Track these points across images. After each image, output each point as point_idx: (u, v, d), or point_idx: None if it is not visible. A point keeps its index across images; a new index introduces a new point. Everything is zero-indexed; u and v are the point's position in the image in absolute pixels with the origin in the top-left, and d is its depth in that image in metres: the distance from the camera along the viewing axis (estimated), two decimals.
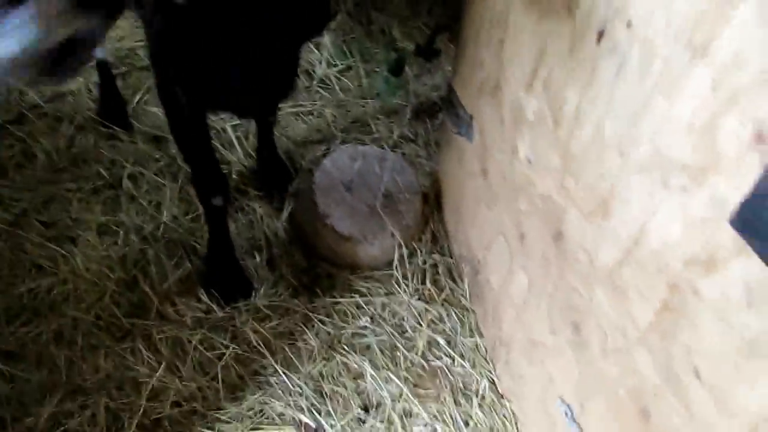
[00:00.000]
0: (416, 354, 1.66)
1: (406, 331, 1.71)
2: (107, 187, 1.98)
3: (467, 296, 1.79)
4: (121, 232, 1.84)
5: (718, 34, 0.72)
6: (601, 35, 0.96)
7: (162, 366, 1.55)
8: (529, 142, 1.27)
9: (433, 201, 1.96)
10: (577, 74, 1.04)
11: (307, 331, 1.69)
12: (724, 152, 0.73)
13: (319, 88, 2.41)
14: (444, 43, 2.52)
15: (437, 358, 1.66)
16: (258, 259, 1.85)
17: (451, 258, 1.89)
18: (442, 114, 2.17)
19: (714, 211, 0.76)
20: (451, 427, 1.53)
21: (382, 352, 1.66)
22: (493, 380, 1.62)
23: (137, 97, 2.27)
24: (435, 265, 1.87)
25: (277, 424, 1.51)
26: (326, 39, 2.56)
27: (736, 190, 0.71)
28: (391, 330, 1.71)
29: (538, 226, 1.28)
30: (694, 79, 0.77)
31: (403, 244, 1.78)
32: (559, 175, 1.15)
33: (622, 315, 1.01)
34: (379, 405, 1.57)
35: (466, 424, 1.54)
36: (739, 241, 0.68)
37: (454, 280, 1.85)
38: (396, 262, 1.80)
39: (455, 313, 1.76)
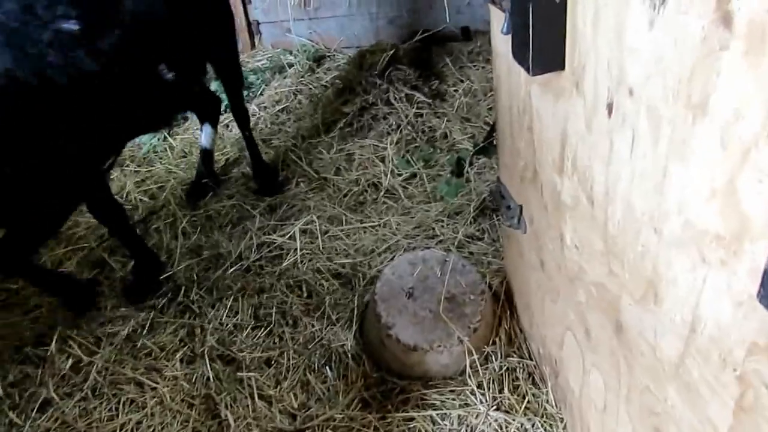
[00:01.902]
0: None
1: None
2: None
3: (552, 402, 1.61)
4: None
5: (713, 89, 0.65)
6: (610, 108, 0.90)
7: None
8: (571, 227, 1.18)
9: (504, 299, 1.85)
10: (598, 151, 0.97)
11: None
12: (752, 215, 0.63)
13: (385, 199, 2.47)
14: None
15: None
16: (329, 373, 1.82)
17: (531, 359, 1.74)
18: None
19: (758, 286, 0.63)
20: None
21: None
22: None
23: None
24: (513, 369, 1.73)
25: None
26: (389, 151, 2.66)
27: None
28: None
29: (598, 317, 1.15)
30: (702, 139, 0.68)
31: (473, 349, 1.68)
32: (606, 259, 1.05)
33: (700, 418, 0.84)
34: None
35: None
36: None
37: (536, 385, 1.68)
38: (468, 369, 1.68)
39: (540, 423, 1.58)
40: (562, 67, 1.02)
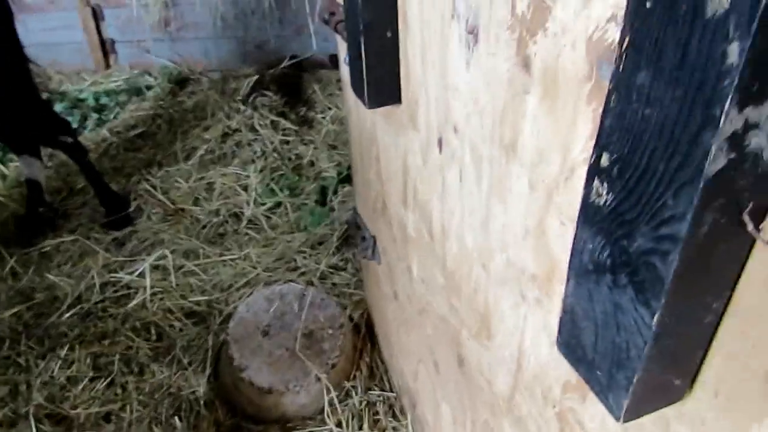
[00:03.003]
0: None
1: None
2: None
3: None
4: None
5: (521, 131, 0.65)
6: (440, 144, 0.90)
7: None
8: (417, 261, 1.17)
9: (366, 331, 1.82)
10: (433, 186, 0.97)
11: None
12: (559, 257, 0.63)
13: (247, 230, 2.35)
14: None
15: None
16: (178, 424, 1.66)
17: (392, 392, 1.71)
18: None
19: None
20: None
21: None
22: None
23: None
24: (374, 404, 1.68)
25: None
26: (252, 179, 2.56)
27: None
28: None
29: (444, 351, 1.14)
30: (515, 180, 0.69)
31: (331, 386, 1.61)
32: (446, 294, 1.04)
33: None
34: None
35: None
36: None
37: (396, 417, 1.65)
38: (327, 408, 1.61)
39: None
40: (399, 101, 1.01)
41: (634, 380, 0.42)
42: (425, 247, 1.09)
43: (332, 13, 1.25)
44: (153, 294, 2.08)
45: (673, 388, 0.45)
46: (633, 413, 0.44)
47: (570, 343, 0.50)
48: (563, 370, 0.68)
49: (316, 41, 3.18)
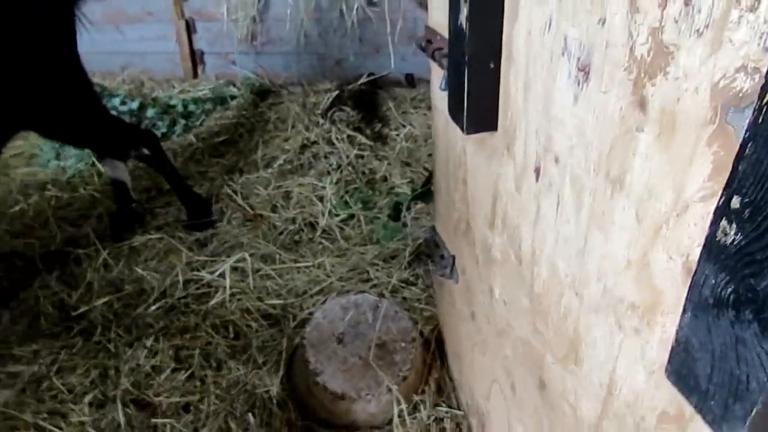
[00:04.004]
0: None
1: None
2: None
3: None
4: None
5: (630, 166, 0.68)
6: (538, 172, 0.93)
7: None
8: (500, 282, 1.20)
9: (435, 347, 1.85)
10: (526, 212, 1.00)
11: None
12: (663, 289, 0.65)
13: (321, 239, 2.44)
14: None
15: None
16: (252, 420, 1.74)
17: (459, 410, 1.73)
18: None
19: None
20: None
21: None
22: None
23: None
24: (441, 420, 1.71)
25: None
26: (328, 190, 2.65)
27: None
28: None
29: (523, 374, 1.16)
30: (620, 212, 0.71)
31: (401, 398, 1.65)
32: (531, 317, 1.06)
33: None
34: None
35: None
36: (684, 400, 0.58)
37: None
38: (396, 419, 1.65)
39: None
40: (495, 128, 1.05)
41: (753, 412, 0.44)
42: (511, 270, 1.12)
43: (429, 41, 1.31)
44: (232, 294, 2.20)
45: None
46: None
47: (681, 373, 0.52)
48: (660, 400, 0.69)
49: (394, 60, 3.28)
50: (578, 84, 0.76)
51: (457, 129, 1.29)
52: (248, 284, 2.24)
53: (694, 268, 0.58)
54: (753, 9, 0.45)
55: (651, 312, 0.69)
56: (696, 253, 0.58)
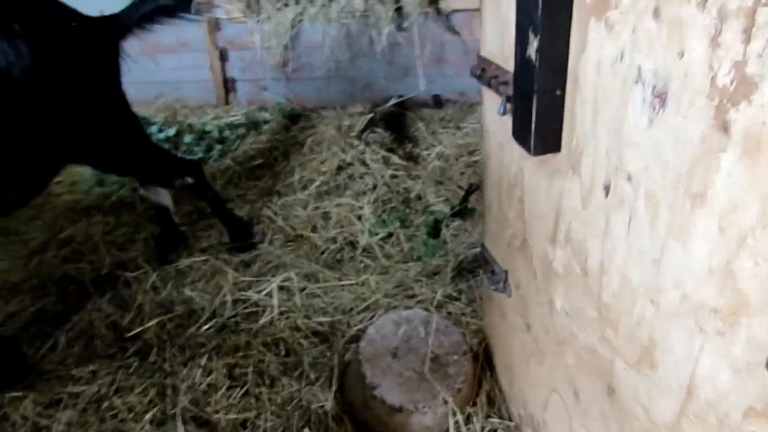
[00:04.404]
0: None
1: None
2: None
3: None
4: None
5: (712, 183, 0.75)
6: (608, 189, 1.00)
7: None
8: (563, 294, 1.26)
9: (483, 360, 1.90)
10: (594, 227, 1.07)
11: None
12: (749, 293, 0.72)
13: (362, 258, 2.52)
14: (478, 201, 2.65)
15: None
16: None
17: (511, 421, 1.78)
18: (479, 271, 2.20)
19: (756, 354, 0.72)
20: None
21: None
22: None
23: None
24: (495, 430, 1.76)
25: None
26: (366, 210, 2.74)
27: None
28: None
29: (589, 380, 1.22)
30: (701, 224, 0.78)
31: (457, 410, 1.71)
32: (599, 326, 1.13)
33: None
34: None
35: None
36: None
37: None
38: (452, 430, 1.70)
39: None
40: (559, 149, 1.13)
41: None
42: (575, 281, 1.19)
43: (483, 70, 1.40)
44: (280, 312, 2.27)
45: None
46: None
47: None
48: (747, 396, 0.75)
49: (422, 83, 3.39)
50: (654, 109, 0.83)
51: (514, 150, 1.37)
52: (295, 303, 2.32)
53: None
54: None
55: (735, 315, 0.75)
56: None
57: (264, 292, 2.39)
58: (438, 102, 3.51)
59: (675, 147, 0.80)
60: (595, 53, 0.95)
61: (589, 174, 1.05)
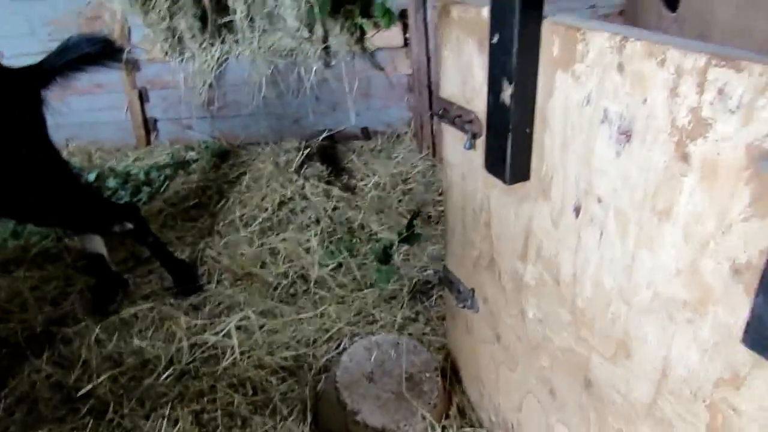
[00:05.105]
0: None
1: None
2: None
3: None
4: None
5: (676, 201, 0.94)
6: (578, 210, 1.19)
7: None
8: (535, 304, 1.43)
9: (451, 374, 2.04)
10: (565, 243, 1.25)
11: None
12: (713, 286, 0.91)
13: (317, 290, 2.58)
14: (422, 226, 2.81)
15: None
16: None
17: (482, 428, 1.92)
18: (436, 290, 2.35)
19: (722, 335, 0.91)
20: None
21: None
22: None
23: None
24: None
25: None
26: (313, 242, 2.80)
27: (733, 313, 0.87)
28: None
29: (565, 378, 1.39)
30: (668, 235, 0.97)
31: (436, 425, 1.82)
32: (574, 328, 1.30)
33: None
34: None
35: None
36: (754, 355, 0.82)
37: None
38: None
39: None
40: (528, 178, 1.31)
41: None
42: (547, 292, 1.36)
43: (445, 110, 1.56)
44: (242, 352, 2.27)
45: None
46: None
47: (756, 340, 0.77)
48: (715, 370, 0.94)
49: (350, 117, 3.54)
50: (620, 144, 1.02)
51: (477, 180, 1.54)
52: (256, 341, 2.33)
53: (740, 268, 0.84)
54: (740, 110, 0.73)
55: (702, 304, 0.94)
56: (741, 257, 0.84)
57: (222, 334, 2.37)
58: (367, 134, 3.67)
59: (641, 174, 0.99)
60: (562, 98, 1.14)
61: (559, 198, 1.23)
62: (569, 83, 1.11)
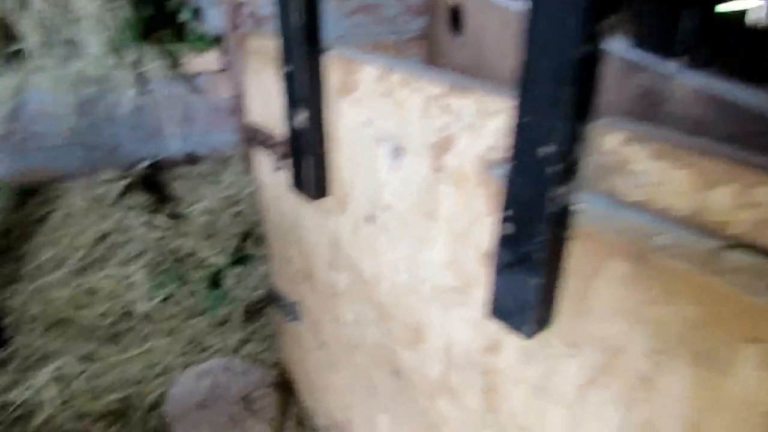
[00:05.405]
0: None
1: None
2: None
3: None
4: None
5: (438, 204, 1.13)
6: (371, 219, 1.35)
7: None
8: (348, 308, 1.57)
9: (287, 387, 2.10)
10: (365, 249, 1.40)
11: None
12: (472, 273, 1.11)
13: (143, 325, 2.47)
14: (253, 248, 2.84)
15: None
16: None
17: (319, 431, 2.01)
18: (268, 309, 2.40)
19: (482, 312, 1.11)
20: None
21: None
22: None
23: None
24: None
25: None
26: (138, 276, 2.68)
27: (487, 293, 1.07)
28: None
29: (380, 370, 1.54)
30: (436, 233, 1.16)
31: None
32: (380, 323, 1.46)
33: (461, 411, 1.28)
34: None
35: None
36: (501, 325, 1.03)
37: None
38: None
39: None
40: (329, 194, 1.44)
41: (534, 315, 0.89)
42: (357, 294, 1.51)
43: (253, 134, 1.65)
44: (62, 403, 2.10)
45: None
46: (536, 332, 0.92)
47: (497, 311, 0.97)
48: (481, 340, 1.14)
49: (172, 142, 3.44)
50: (395, 159, 1.19)
51: (290, 198, 1.65)
52: (76, 389, 2.17)
53: (485, 255, 1.05)
54: (472, 128, 0.94)
55: (466, 289, 1.14)
56: (485, 246, 1.04)
57: (35, 388, 2.17)
58: (192, 159, 3.60)
59: (412, 183, 1.17)
60: (347, 122, 1.29)
61: (355, 209, 1.38)
62: (351, 109, 1.26)
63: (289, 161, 1.44)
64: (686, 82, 1.11)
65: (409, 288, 1.30)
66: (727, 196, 0.68)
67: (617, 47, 1.35)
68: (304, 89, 1.27)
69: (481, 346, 1.15)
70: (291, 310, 1.88)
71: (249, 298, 2.52)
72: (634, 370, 0.89)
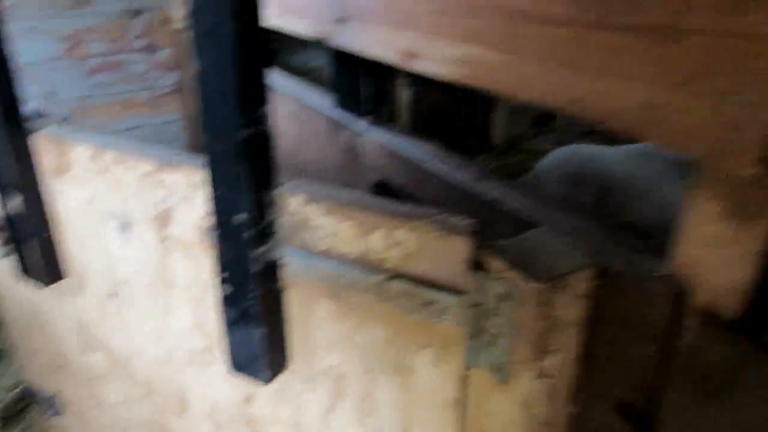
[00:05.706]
0: None
1: None
2: None
3: None
4: None
5: (173, 270, 1.16)
6: (114, 294, 1.31)
7: None
8: (110, 388, 1.49)
9: None
10: (114, 325, 1.36)
11: None
12: (213, 333, 1.16)
13: None
14: (6, 341, 2.49)
15: None
16: None
17: None
18: (29, 408, 2.13)
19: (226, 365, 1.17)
20: None
21: None
22: None
23: None
24: None
25: None
26: None
27: None
28: None
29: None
30: (178, 300, 1.19)
31: None
32: (147, 398, 1.42)
33: None
34: None
35: None
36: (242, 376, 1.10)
37: None
38: None
39: None
40: (65, 276, 1.37)
41: (266, 362, 0.98)
42: (116, 374, 1.44)
43: None
44: None
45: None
46: (273, 377, 1.00)
47: (235, 364, 1.03)
48: (238, 394, 1.20)
49: None
50: (124, 233, 1.19)
51: (25, 287, 1.52)
52: None
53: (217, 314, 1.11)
54: (186, 200, 1.01)
55: (212, 348, 1.18)
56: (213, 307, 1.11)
57: None
58: None
59: (145, 255, 1.19)
60: (68, 201, 1.25)
61: (94, 288, 1.34)
62: (71, 188, 1.23)
63: (13, 247, 1.34)
64: (372, 138, 1.32)
65: (165, 357, 1.30)
66: (380, 239, 0.85)
67: (326, 106, 1.54)
68: (14, 173, 1.20)
69: (240, 399, 1.20)
70: (50, 404, 1.70)
71: (4, 400, 2.20)
72: (358, 390, 1.03)
